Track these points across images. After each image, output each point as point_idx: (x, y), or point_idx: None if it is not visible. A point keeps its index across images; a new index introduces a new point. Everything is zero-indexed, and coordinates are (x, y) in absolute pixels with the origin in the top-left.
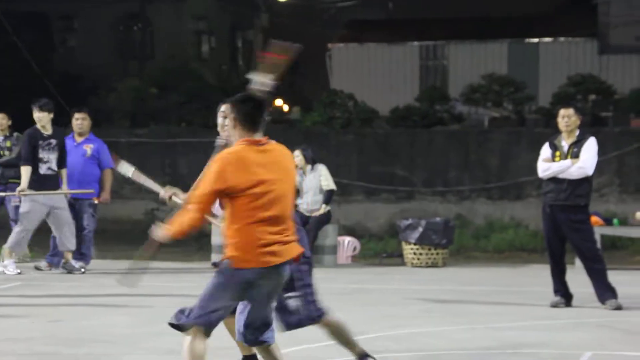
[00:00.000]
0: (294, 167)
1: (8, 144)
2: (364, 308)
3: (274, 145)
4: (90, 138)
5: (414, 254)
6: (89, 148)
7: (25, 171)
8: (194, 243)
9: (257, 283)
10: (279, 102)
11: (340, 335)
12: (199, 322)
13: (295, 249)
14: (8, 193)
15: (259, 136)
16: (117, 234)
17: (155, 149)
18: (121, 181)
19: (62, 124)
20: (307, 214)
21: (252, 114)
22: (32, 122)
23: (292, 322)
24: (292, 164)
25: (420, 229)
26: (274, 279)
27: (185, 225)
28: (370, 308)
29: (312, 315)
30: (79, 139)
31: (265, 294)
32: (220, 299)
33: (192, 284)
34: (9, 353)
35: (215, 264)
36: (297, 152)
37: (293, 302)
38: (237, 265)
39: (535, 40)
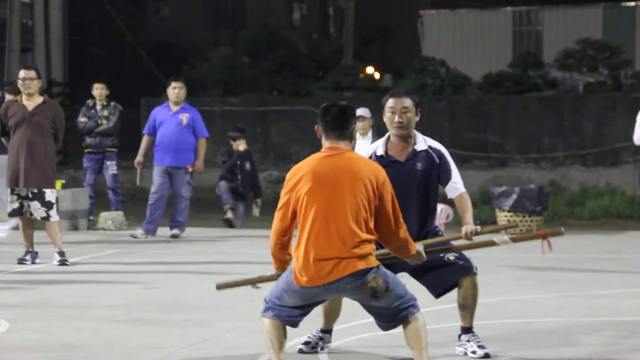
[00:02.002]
0: (361, 178)
1: (105, 113)
2: None
3: (342, 154)
4: (185, 107)
5: (508, 221)
6: (184, 117)
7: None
8: None
9: (318, 297)
10: (370, 69)
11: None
12: (267, 315)
13: (352, 266)
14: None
15: (339, 143)
16: (212, 202)
17: (247, 117)
18: (215, 150)
19: (155, 92)
20: None
21: (332, 121)
22: (127, 92)
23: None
24: (358, 174)
25: (514, 196)
26: (334, 293)
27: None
28: None
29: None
30: (175, 108)
31: (356, 299)
32: (285, 300)
33: None
34: (106, 319)
35: None
36: None
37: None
38: (295, 280)
39: (632, 3)
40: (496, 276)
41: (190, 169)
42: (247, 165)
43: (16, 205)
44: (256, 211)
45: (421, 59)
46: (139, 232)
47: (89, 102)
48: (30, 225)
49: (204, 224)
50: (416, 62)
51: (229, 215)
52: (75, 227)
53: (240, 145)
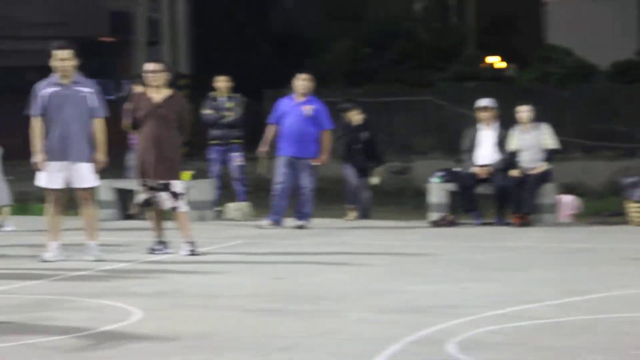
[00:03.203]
0: None
1: (229, 105)
2: (588, 267)
3: None
4: (311, 99)
5: (639, 212)
6: (309, 109)
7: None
8: (410, 201)
9: None
10: (494, 59)
11: None
12: None
13: None
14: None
15: None
16: (336, 193)
17: (370, 108)
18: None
19: (277, 84)
20: (525, 172)
21: None
22: (251, 83)
23: None
24: None
25: None
26: None
27: None
28: (595, 267)
29: None
30: (300, 99)
31: None
32: None
33: (410, 242)
34: (235, 309)
35: (435, 223)
36: (526, 108)
37: None
38: None
39: None
40: (630, 268)
41: (314, 162)
42: (366, 135)
43: (146, 196)
44: (375, 180)
45: (545, 48)
46: (265, 222)
47: (213, 94)
48: (160, 216)
49: (328, 215)
50: (540, 51)
51: (350, 216)
52: (202, 218)
53: (355, 116)
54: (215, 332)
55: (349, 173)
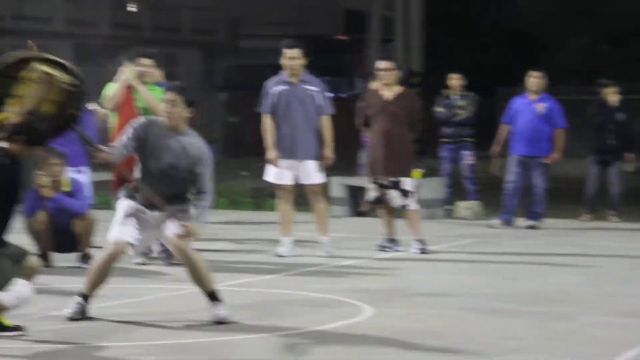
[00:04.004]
0: None
1: (462, 103)
2: None
3: None
4: (544, 97)
5: None
6: (541, 106)
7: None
8: None
9: None
10: None
11: None
12: None
13: None
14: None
15: None
16: (570, 192)
17: None
18: (573, 140)
19: (510, 82)
20: None
21: None
22: (483, 81)
23: None
24: None
25: None
26: None
27: None
28: None
29: None
30: (533, 97)
31: None
32: None
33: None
34: (465, 308)
35: None
36: None
37: None
38: None
39: None
40: None
41: (546, 160)
42: (621, 116)
43: (377, 193)
44: (628, 166)
45: None
46: (496, 222)
47: (445, 92)
48: (390, 213)
49: (561, 215)
50: None
51: (585, 217)
52: (432, 216)
53: (611, 95)
54: (445, 332)
55: (593, 171)
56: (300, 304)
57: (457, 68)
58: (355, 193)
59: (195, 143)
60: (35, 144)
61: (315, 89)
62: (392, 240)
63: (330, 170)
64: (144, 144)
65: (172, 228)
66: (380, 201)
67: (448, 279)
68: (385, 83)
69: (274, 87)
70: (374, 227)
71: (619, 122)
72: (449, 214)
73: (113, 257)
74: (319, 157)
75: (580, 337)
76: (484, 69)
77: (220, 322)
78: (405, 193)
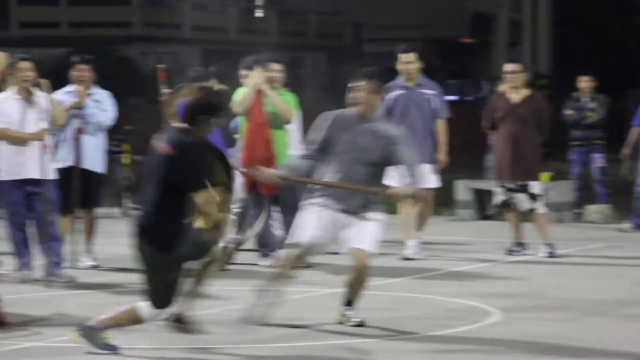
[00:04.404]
0: None
1: (592, 105)
2: None
3: None
4: None
5: None
6: None
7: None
8: None
9: None
10: None
11: None
12: None
13: None
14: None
15: None
16: None
17: None
18: None
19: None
20: None
21: None
22: (614, 83)
23: None
24: None
25: None
26: None
27: None
28: None
29: None
30: None
31: None
32: None
33: None
34: (594, 313)
35: None
36: None
37: None
38: None
39: None
40: None
41: None
42: None
43: (504, 197)
44: None
45: None
46: (627, 225)
47: (575, 94)
48: (518, 217)
49: None
50: None
51: None
52: (561, 220)
53: None
54: (576, 337)
55: None
56: (424, 307)
57: (586, 70)
58: (482, 196)
59: (383, 126)
60: None
61: (431, 93)
62: (520, 244)
63: (456, 173)
64: (334, 138)
65: (352, 235)
66: (508, 205)
67: (577, 283)
68: (512, 86)
69: (391, 92)
70: (501, 230)
71: None
72: (579, 218)
73: (299, 258)
74: (433, 160)
75: None
76: (614, 70)
77: (358, 325)
78: (533, 196)
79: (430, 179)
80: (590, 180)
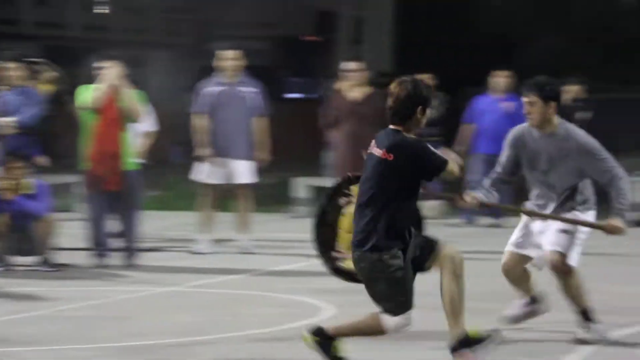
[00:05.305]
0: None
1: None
2: None
3: None
4: (511, 96)
5: None
6: (509, 105)
7: None
8: None
9: None
10: None
11: None
12: None
13: None
14: None
15: None
16: None
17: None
18: None
19: (479, 82)
20: None
21: None
22: (452, 82)
23: None
24: None
25: None
26: None
27: None
28: None
29: None
30: (499, 96)
31: None
32: None
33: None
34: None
35: None
36: None
37: None
38: None
39: None
40: None
41: None
42: (581, 116)
43: None
44: None
45: None
46: (459, 221)
47: None
48: None
49: None
50: None
51: None
52: None
53: (569, 94)
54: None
55: None
56: (262, 305)
57: (427, 68)
58: (320, 194)
59: (573, 137)
60: None
61: (252, 91)
62: None
63: (296, 171)
64: (520, 155)
65: (550, 240)
66: None
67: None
68: (352, 84)
69: (211, 88)
70: None
71: (581, 121)
72: None
73: (507, 267)
74: (252, 157)
75: None
76: (453, 69)
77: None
78: None
79: (248, 176)
80: None
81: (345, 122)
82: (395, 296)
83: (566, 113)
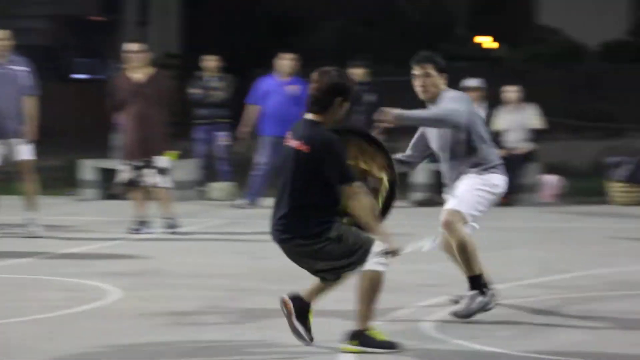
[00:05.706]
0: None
1: (216, 84)
2: (567, 246)
3: None
4: (295, 79)
5: (622, 192)
6: (294, 88)
7: None
8: None
9: None
10: (485, 39)
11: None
12: None
13: None
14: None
15: None
16: None
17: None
18: None
19: (267, 64)
20: (509, 152)
21: None
22: (241, 63)
23: None
24: None
25: (631, 167)
26: None
27: None
28: (575, 246)
29: None
30: (284, 79)
31: None
32: None
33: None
34: (215, 288)
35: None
36: (513, 88)
37: None
38: None
39: None
40: (609, 247)
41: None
42: (369, 98)
43: (130, 175)
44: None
45: (535, 28)
46: (243, 202)
47: (200, 73)
48: (143, 195)
49: None
50: (530, 31)
51: None
52: (185, 198)
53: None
54: (194, 311)
55: None
56: (46, 288)
57: (215, 50)
58: (108, 176)
59: (449, 104)
60: None
61: (22, 69)
62: (143, 223)
63: (82, 153)
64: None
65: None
66: (133, 183)
67: (201, 261)
68: (135, 66)
69: None
70: (126, 209)
71: (368, 103)
72: (203, 195)
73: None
74: (24, 134)
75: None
76: (240, 50)
77: None
78: (158, 171)
79: (25, 152)
80: (215, 158)
81: (131, 103)
82: (352, 247)
83: (353, 96)
